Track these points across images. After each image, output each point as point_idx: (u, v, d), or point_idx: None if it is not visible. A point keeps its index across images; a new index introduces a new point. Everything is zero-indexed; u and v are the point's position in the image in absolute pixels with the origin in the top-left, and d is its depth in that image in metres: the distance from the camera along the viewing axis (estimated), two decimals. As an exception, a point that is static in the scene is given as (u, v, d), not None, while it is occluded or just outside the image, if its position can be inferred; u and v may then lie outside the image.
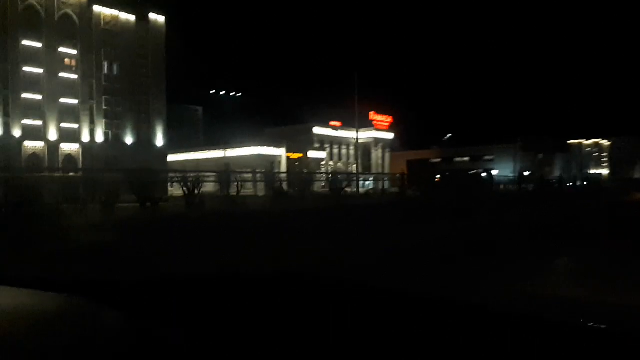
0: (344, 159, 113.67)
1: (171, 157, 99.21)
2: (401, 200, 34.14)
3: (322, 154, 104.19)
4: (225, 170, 56.57)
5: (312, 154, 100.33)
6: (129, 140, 75.40)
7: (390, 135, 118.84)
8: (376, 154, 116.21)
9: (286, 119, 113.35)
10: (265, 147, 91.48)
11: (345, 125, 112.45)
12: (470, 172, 75.62)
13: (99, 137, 71.98)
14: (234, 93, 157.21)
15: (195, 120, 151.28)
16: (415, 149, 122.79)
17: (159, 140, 79.65)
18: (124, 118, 74.61)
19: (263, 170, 78.42)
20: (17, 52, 64.56)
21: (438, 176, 68.15)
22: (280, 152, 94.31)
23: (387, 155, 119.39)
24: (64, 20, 68.95)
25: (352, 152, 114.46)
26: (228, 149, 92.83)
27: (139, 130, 76.40)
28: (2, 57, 63.35)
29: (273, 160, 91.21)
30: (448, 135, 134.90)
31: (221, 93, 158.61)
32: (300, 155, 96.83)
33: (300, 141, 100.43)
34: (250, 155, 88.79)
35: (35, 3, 66.09)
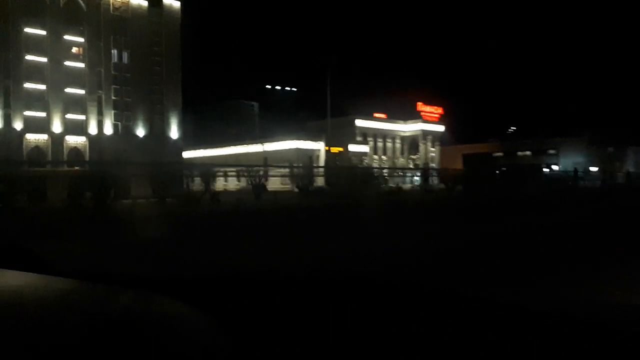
0: (389, 152, 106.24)
1: (209, 152, 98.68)
2: (453, 196, 33.09)
3: (364, 148, 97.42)
4: (249, 165, 55.11)
5: (353, 147, 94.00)
6: (140, 132, 70.24)
7: (440, 128, 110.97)
8: (424, 148, 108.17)
9: (331, 112, 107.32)
10: (302, 141, 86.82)
11: (391, 117, 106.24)
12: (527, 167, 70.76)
13: (108, 129, 67.16)
14: (289, 88, 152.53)
15: (251, 115, 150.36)
16: (470, 143, 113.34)
17: (174, 133, 74.11)
18: (135, 109, 69.49)
19: (300, 165, 77.18)
20: (19, 40, 60.14)
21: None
22: (319, 146, 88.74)
23: (437, 148, 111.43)
24: (69, 6, 64.08)
25: (398, 145, 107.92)
26: (266, 143, 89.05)
27: (151, 122, 71.07)
28: (3, 45, 58.91)
29: (311, 155, 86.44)
30: (511, 129, 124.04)
31: (277, 88, 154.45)
32: (341, 149, 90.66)
33: (342, 134, 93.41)
34: (288, 149, 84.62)
35: (39, -12, 61.74)
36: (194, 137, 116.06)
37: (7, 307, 1.08)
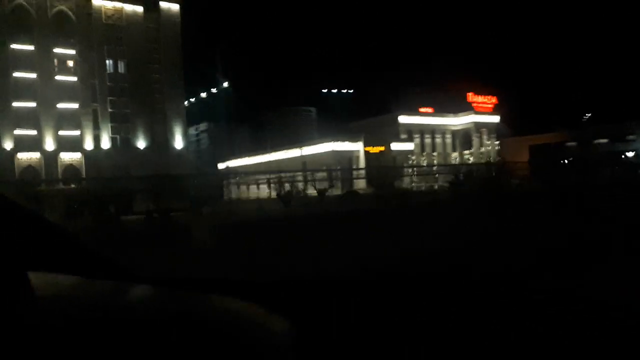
0: (439, 149, 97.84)
1: (250, 160, 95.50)
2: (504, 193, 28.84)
3: (408, 146, 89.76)
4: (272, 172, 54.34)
5: (396, 145, 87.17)
6: (141, 144, 66.34)
7: (494, 119, 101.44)
8: (478, 141, 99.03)
9: (375, 110, 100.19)
10: (339, 143, 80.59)
11: (439, 111, 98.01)
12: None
13: (105, 143, 63.56)
14: (345, 90, 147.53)
15: (310, 121, 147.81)
16: (535, 133, 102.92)
17: (178, 142, 69.69)
18: (134, 120, 65.60)
19: (338, 168, 73.51)
20: (5, 57, 56.87)
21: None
22: (357, 146, 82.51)
23: (492, 141, 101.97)
24: (58, 18, 60.64)
25: (448, 140, 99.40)
26: (304, 147, 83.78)
27: (153, 132, 66.99)
28: (-13, 63, 56.08)
29: (350, 156, 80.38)
30: (586, 115, 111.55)
31: (333, 91, 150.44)
32: (382, 148, 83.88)
33: (386, 133, 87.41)
34: (324, 152, 79.09)
35: (24, 2, 58.14)
36: (251, 144, 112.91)
37: (96, 313, 1.13)
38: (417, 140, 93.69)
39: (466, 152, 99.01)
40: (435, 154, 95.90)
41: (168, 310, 1.20)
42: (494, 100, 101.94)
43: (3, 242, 1.28)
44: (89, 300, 1.22)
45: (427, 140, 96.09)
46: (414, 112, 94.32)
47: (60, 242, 1.45)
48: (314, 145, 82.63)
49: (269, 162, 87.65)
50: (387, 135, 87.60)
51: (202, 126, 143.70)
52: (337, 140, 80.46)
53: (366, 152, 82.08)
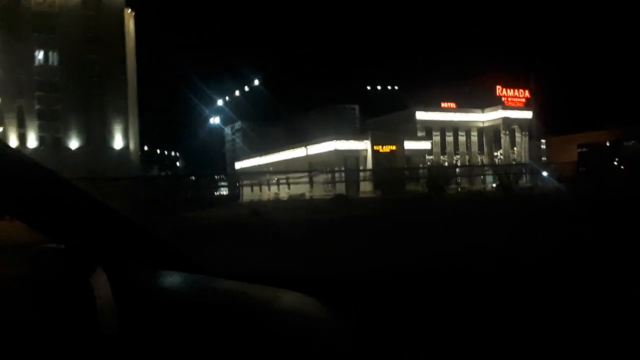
0: (462, 148, 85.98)
1: (262, 159, 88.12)
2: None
3: (425, 144, 78.33)
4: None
5: (411, 144, 78.10)
6: (73, 144, 59.83)
7: (527, 114, 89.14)
8: (506, 140, 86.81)
9: (393, 105, 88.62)
10: (341, 142, 72.94)
11: (465, 106, 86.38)
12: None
13: (32, 143, 57.51)
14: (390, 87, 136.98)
15: (353, 119, 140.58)
16: (584, 131, 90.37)
17: (118, 142, 62.58)
18: (66, 118, 58.92)
19: (342, 169, 67.63)
20: None
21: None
22: (364, 145, 74.06)
23: (525, 139, 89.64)
24: (-24, 4, 54.53)
25: (474, 139, 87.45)
26: (310, 146, 76.58)
27: (89, 131, 60.02)
28: None
29: (357, 156, 72.85)
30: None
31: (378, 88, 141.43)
32: (393, 147, 73.17)
33: (402, 130, 79.04)
34: (326, 152, 72.23)
35: None
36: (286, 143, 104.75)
37: (174, 307, 1.18)
38: (437, 138, 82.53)
39: (497, 152, 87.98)
40: (458, 154, 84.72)
41: (230, 302, 1.25)
42: (526, 94, 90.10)
43: (84, 234, 1.33)
44: (170, 292, 1.28)
45: (449, 139, 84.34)
46: (435, 107, 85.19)
47: (135, 234, 1.46)
48: (317, 145, 75.18)
49: (278, 162, 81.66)
50: (404, 133, 78.79)
51: (237, 125, 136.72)
52: (341, 139, 70.59)
53: (375, 152, 71.60)
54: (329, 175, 69.68)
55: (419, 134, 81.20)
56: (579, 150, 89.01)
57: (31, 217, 1.30)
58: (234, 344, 1.01)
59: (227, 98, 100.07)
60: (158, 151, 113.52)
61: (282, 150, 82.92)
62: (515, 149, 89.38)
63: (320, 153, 72.73)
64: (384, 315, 1.27)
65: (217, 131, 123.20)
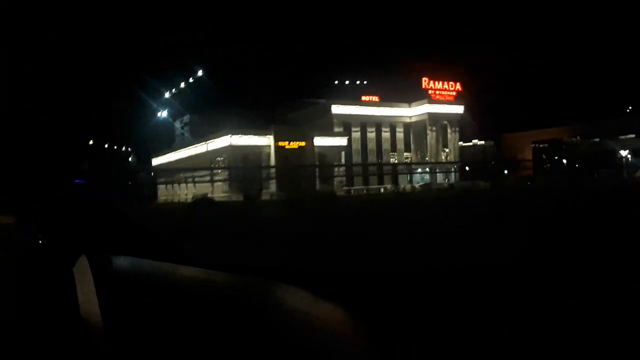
0: (387, 145, 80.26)
1: (175, 155, 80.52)
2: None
3: (340, 141, 72.26)
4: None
5: (325, 141, 71.95)
6: None
7: (457, 109, 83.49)
8: (433, 137, 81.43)
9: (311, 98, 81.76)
10: (239, 137, 65.98)
11: (389, 100, 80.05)
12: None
13: None
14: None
15: (324, 113, 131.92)
16: (543, 128, 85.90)
17: None
18: None
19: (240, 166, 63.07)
20: None
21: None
22: (267, 141, 66.03)
23: (455, 136, 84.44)
24: None
25: (400, 135, 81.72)
26: (209, 142, 69.92)
27: None
28: None
29: (260, 152, 66.41)
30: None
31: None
32: (302, 143, 66.56)
33: (318, 125, 73.08)
34: (222, 147, 66.14)
35: None
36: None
37: (153, 294, 1.19)
38: (357, 134, 76.61)
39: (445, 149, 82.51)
40: (384, 150, 79.64)
41: (217, 293, 1.24)
42: (457, 86, 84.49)
43: (83, 229, 1.40)
44: (159, 281, 1.28)
45: (371, 135, 78.49)
46: (354, 101, 78.81)
47: (130, 229, 1.55)
48: (215, 140, 68.56)
49: (185, 158, 75.66)
50: (320, 128, 72.56)
51: (186, 119, 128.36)
52: (238, 134, 63.78)
53: (280, 148, 65.01)
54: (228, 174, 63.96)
55: (336, 129, 75.28)
56: (533, 147, 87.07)
57: (20, 209, 1.38)
58: (217, 332, 1.03)
59: (174, 90, 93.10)
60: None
61: (189, 146, 76.05)
62: (448, 147, 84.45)
63: (216, 149, 66.51)
64: None
65: (167, 125, 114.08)
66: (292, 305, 1.12)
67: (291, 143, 66.79)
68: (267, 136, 65.95)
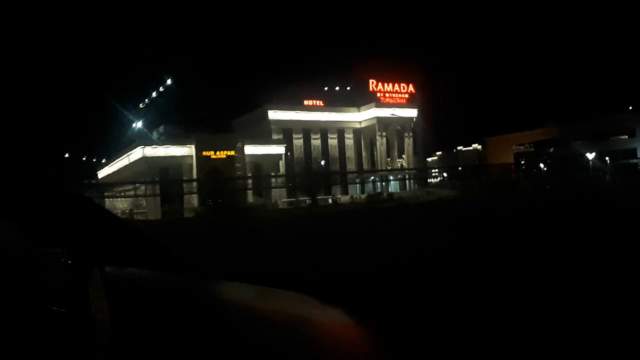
0: (334, 152, 75.04)
1: (109, 169, 75.53)
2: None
3: (277, 149, 66.65)
4: None
5: (259, 149, 66.42)
6: None
7: (410, 113, 78.02)
8: (382, 142, 76.23)
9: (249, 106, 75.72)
10: (153, 148, 60.30)
11: (337, 104, 74.68)
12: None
13: None
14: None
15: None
16: (525, 129, 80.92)
17: None
18: None
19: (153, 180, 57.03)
20: None
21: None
22: (189, 151, 60.67)
23: (410, 141, 78.97)
24: None
25: (349, 141, 76.49)
26: (130, 154, 64.05)
27: None
28: None
29: (181, 164, 60.30)
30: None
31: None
32: (230, 152, 61.01)
33: (258, 132, 68.52)
34: (135, 160, 60.77)
35: None
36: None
37: (166, 307, 1.22)
38: (300, 141, 71.15)
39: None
40: (331, 158, 74.65)
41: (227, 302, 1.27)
42: (409, 89, 79.18)
43: (82, 239, 1.36)
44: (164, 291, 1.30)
45: (315, 142, 72.92)
46: (296, 106, 72.90)
47: (133, 238, 1.49)
48: (130, 153, 63.55)
49: (115, 172, 71.41)
50: (258, 136, 68.06)
51: (162, 129, 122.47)
52: (151, 145, 58.49)
53: (204, 159, 59.38)
54: (144, 188, 58.18)
55: (275, 136, 69.71)
56: (515, 152, 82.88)
57: (32, 222, 1.37)
58: (228, 342, 1.01)
59: (146, 101, 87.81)
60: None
61: (118, 159, 70.45)
62: (404, 153, 78.88)
63: (134, 162, 60.99)
64: None
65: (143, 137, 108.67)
66: (297, 312, 1.13)
67: (218, 153, 61.07)
68: (189, 146, 60.13)
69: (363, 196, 63.92)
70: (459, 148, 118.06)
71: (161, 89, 70.86)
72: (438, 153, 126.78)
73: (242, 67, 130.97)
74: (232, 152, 62.07)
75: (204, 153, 60.41)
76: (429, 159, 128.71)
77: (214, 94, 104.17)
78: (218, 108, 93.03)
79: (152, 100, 73.80)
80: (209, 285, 1.43)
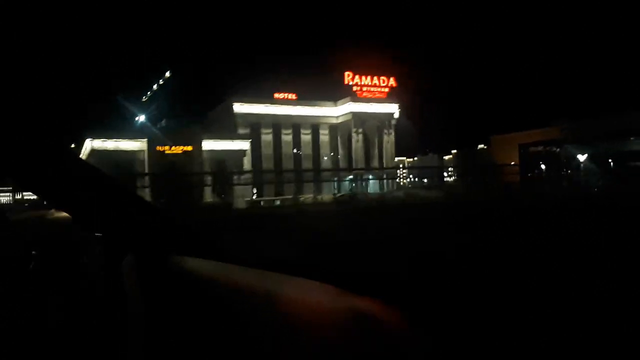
0: (307, 149, 71.15)
1: None
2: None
3: (241, 144, 62.65)
4: None
5: (221, 144, 62.71)
6: None
7: (389, 108, 73.91)
8: (359, 139, 71.96)
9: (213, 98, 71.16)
10: (102, 141, 56.46)
11: (311, 98, 70.76)
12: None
13: None
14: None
15: None
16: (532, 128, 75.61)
17: None
18: None
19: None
20: None
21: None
22: (142, 145, 56.77)
23: (390, 139, 74.89)
24: None
25: (325, 137, 72.62)
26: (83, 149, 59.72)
27: None
28: None
29: (132, 159, 56.63)
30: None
31: None
32: (188, 148, 57.10)
33: (225, 127, 65.09)
34: (87, 153, 56.20)
35: None
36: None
37: (200, 292, 1.24)
38: (269, 137, 67.21)
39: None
40: (303, 155, 70.96)
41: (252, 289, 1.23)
42: (390, 82, 75.06)
43: (117, 224, 1.44)
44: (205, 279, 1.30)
45: (287, 137, 68.97)
46: (265, 99, 68.80)
47: (167, 225, 1.54)
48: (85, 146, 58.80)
49: None
50: (223, 130, 64.44)
51: (163, 123, 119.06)
52: (101, 138, 54.69)
53: (158, 154, 55.48)
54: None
55: (242, 131, 65.54)
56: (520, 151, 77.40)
57: (76, 209, 1.45)
58: (251, 332, 1.04)
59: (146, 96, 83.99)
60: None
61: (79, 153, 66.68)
62: (384, 151, 74.45)
63: (85, 155, 57.00)
64: None
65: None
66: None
67: (173, 148, 57.05)
68: (142, 140, 56.13)
69: (326, 197, 59.59)
70: (480, 146, 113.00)
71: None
72: (453, 151, 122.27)
73: (212, 58, 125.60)
74: (190, 148, 58.02)
75: (159, 148, 56.34)
76: (446, 157, 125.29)
77: (186, 87, 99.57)
78: (191, 101, 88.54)
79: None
80: (240, 271, 1.38)
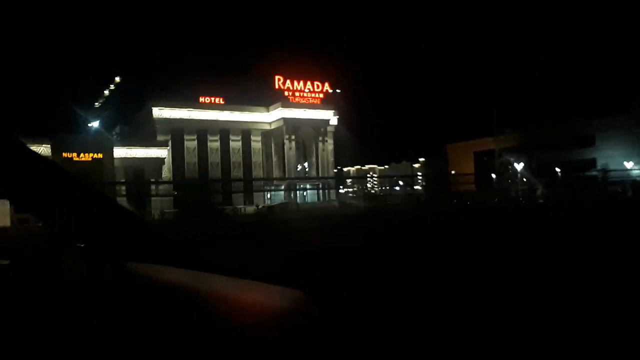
0: (237, 156, 67.02)
1: None
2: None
3: (159, 152, 58.13)
4: None
5: (136, 152, 56.45)
6: None
7: (325, 115, 70.29)
8: (291, 146, 67.99)
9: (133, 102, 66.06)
10: None
11: (237, 102, 66.58)
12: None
13: None
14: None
15: None
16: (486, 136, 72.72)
17: None
18: None
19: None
20: None
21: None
22: (44, 152, 51.69)
23: (328, 146, 71.14)
24: None
25: (257, 144, 68.51)
26: None
27: None
28: None
29: None
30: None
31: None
32: (98, 155, 52.33)
33: (145, 133, 61.79)
34: None
35: None
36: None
37: (180, 302, 1.23)
38: (193, 143, 62.87)
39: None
40: (233, 163, 66.64)
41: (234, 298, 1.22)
42: (324, 87, 71.65)
43: (99, 234, 1.44)
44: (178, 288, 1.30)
45: (214, 144, 64.67)
46: (189, 103, 64.71)
47: (146, 234, 1.54)
48: None
49: None
50: (145, 136, 60.99)
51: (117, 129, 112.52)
52: None
53: (66, 161, 50.70)
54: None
55: (162, 137, 61.14)
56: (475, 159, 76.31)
57: (53, 219, 1.45)
58: (229, 339, 1.01)
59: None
60: None
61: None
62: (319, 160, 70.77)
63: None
64: None
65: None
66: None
67: (82, 155, 52.36)
68: (44, 146, 51.35)
69: (249, 209, 55.33)
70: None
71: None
72: (421, 159, 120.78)
73: (133, 60, 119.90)
74: (100, 155, 53.37)
75: (65, 155, 51.58)
76: (415, 165, 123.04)
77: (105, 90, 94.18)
78: (112, 106, 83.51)
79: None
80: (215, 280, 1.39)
